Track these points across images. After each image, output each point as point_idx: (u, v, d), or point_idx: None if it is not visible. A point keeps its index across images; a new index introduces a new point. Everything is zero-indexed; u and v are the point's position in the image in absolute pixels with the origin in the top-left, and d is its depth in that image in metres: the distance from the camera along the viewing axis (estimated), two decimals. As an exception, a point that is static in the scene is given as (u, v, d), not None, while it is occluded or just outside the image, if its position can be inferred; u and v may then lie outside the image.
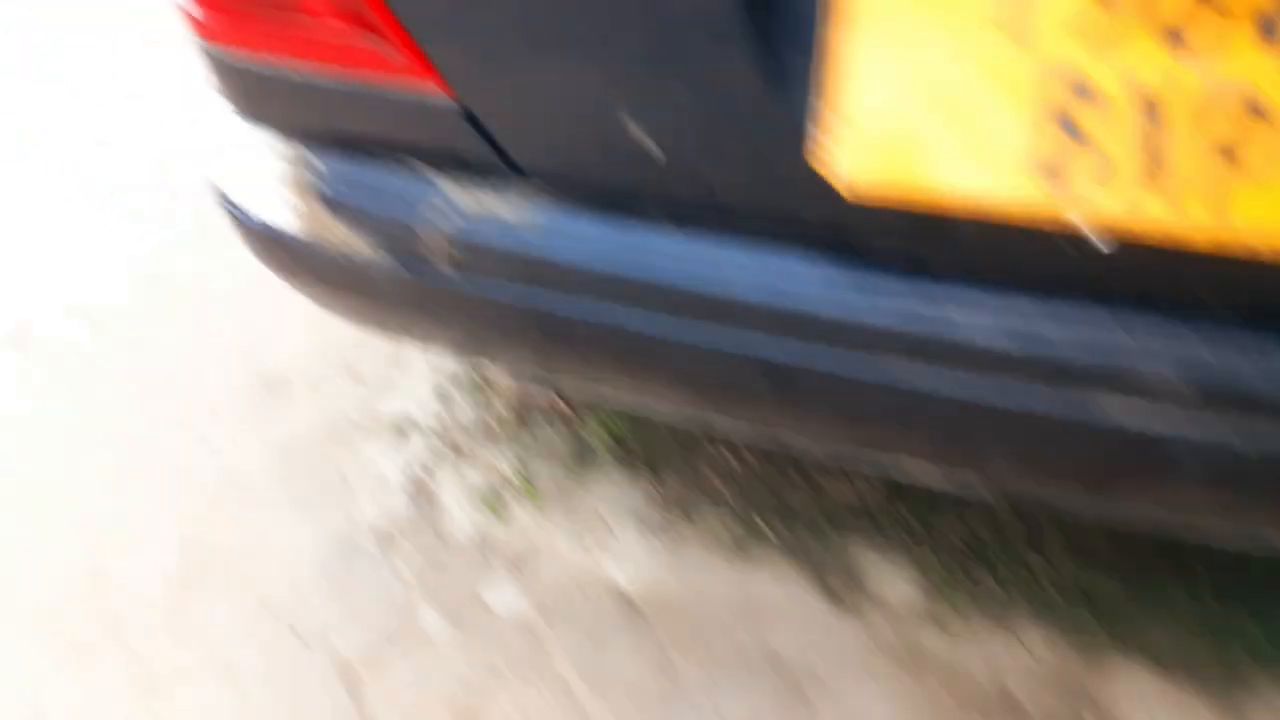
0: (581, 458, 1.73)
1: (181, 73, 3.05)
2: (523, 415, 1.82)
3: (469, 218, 1.02)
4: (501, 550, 1.61)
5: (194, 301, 2.18)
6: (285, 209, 1.11)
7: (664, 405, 1.11)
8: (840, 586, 1.50)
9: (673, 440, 1.74)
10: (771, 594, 1.51)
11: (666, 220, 0.96)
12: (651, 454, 1.73)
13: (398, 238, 1.06)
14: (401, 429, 1.81)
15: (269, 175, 1.10)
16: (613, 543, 1.60)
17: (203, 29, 1.06)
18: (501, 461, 1.73)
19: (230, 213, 1.16)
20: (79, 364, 2.06)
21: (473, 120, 0.96)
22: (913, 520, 1.59)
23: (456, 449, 1.77)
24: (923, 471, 1.00)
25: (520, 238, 1.01)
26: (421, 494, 1.71)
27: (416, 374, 1.94)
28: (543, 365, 1.10)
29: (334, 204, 1.09)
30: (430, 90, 0.96)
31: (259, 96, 1.06)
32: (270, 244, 1.14)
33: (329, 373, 1.96)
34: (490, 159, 0.99)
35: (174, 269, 2.30)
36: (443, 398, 1.88)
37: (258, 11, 0.96)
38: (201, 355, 2.05)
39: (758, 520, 1.59)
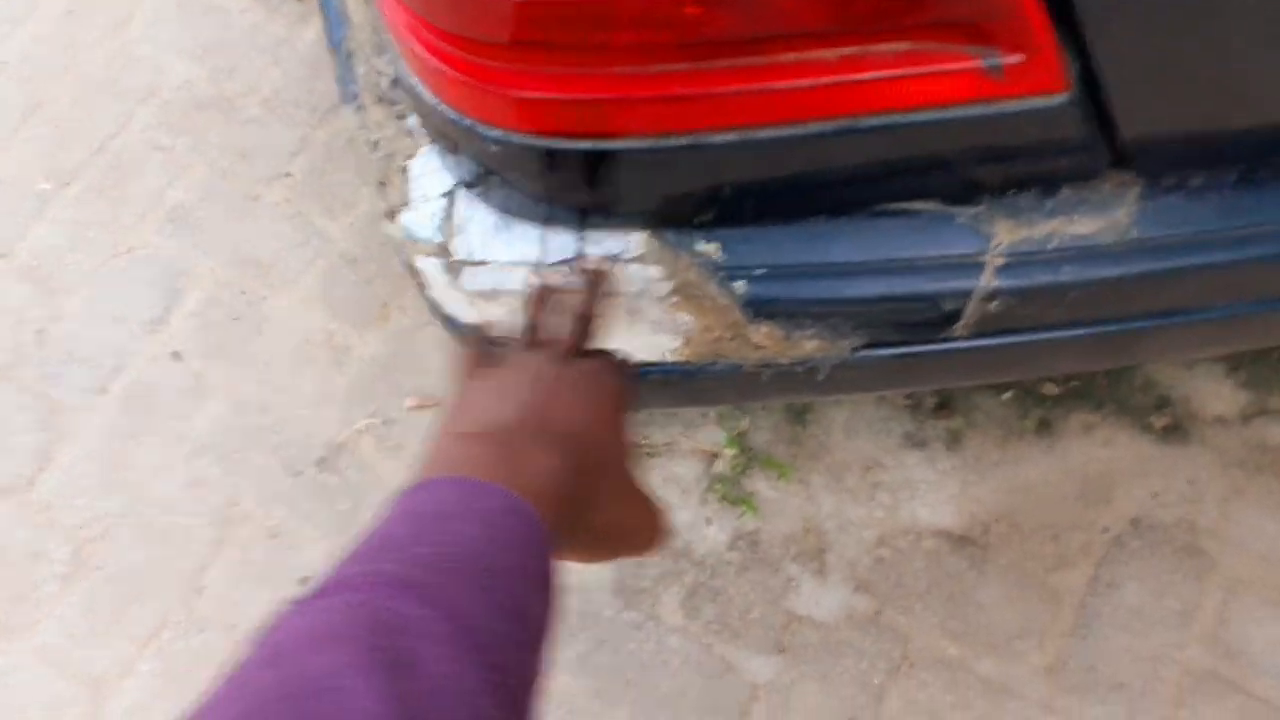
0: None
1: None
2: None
3: (1022, 255, 0.64)
4: (775, 546, 1.31)
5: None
6: (668, 334, 0.67)
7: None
8: (1166, 423, 1.32)
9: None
10: (1100, 460, 1.32)
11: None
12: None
13: (886, 317, 0.67)
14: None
15: (650, 296, 0.65)
16: (895, 479, 1.33)
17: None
18: (705, 441, 1.38)
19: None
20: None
21: (1085, 104, 0.56)
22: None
23: (637, 446, 1.40)
24: None
25: (1102, 251, 0.65)
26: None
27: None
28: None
29: (764, 304, 0.66)
30: (1041, 84, 0.54)
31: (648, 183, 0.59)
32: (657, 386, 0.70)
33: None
34: (1072, 158, 0.61)
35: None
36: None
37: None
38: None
39: (1042, 390, 1.36)
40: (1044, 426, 1.34)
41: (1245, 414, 1.33)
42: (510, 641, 0.43)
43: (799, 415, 1.38)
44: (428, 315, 1.48)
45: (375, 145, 0.71)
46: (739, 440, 1.37)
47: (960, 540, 1.30)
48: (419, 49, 0.59)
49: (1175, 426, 1.33)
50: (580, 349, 0.62)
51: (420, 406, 1.43)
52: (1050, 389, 1.36)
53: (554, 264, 0.66)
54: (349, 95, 0.75)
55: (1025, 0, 0.53)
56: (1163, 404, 1.34)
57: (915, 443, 1.35)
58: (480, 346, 0.63)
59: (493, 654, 0.41)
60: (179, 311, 1.49)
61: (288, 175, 1.57)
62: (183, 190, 1.57)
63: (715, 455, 1.37)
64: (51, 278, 1.52)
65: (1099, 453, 1.33)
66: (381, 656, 0.38)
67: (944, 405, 1.36)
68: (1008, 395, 1.36)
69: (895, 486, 1.33)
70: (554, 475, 0.51)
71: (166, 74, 1.66)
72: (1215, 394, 1.34)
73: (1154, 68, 0.60)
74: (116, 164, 1.60)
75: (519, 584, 0.45)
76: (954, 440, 1.35)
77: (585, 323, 0.63)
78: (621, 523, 0.59)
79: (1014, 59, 0.56)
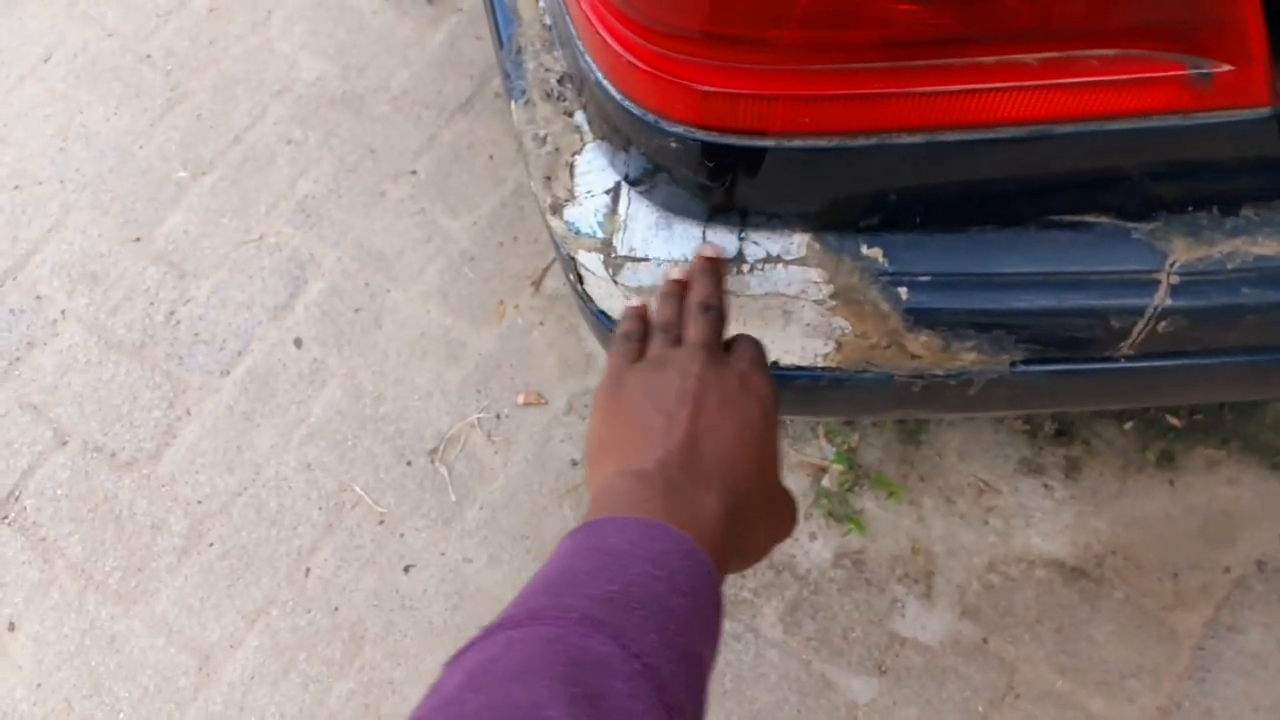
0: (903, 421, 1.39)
1: None
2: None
3: (1199, 274, 0.63)
4: (881, 566, 1.30)
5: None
6: (824, 338, 0.68)
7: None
8: (1299, 461, 1.28)
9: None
10: (1224, 498, 1.28)
11: None
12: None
13: (1051, 332, 0.66)
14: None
15: (809, 294, 0.65)
16: (1010, 505, 1.31)
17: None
18: (814, 455, 1.38)
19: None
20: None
21: None
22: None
23: (741, 458, 1.40)
24: None
25: None
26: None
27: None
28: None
29: (926, 312, 0.66)
30: (1246, 97, 0.54)
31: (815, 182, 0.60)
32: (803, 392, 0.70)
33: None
34: (1262, 176, 0.60)
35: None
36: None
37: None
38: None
39: (1167, 418, 1.32)
40: (1166, 459, 1.30)
41: (1384, 458, 1.28)
42: (684, 682, 0.45)
43: (912, 435, 1.37)
44: (540, 316, 1.52)
45: (543, 140, 0.73)
46: (848, 457, 1.36)
47: (1074, 572, 1.26)
48: (608, 39, 0.60)
49: (1307, 468, 1.28)
50: (716, 343, 0.62)
51: (530, 403, 1.45)
52: (1174, 421, 1.32)
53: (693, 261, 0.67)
54: (516, 91, 0.77)
55: (1247, 8, 0.52)
56: (1293, 443, 1.30)
57: (1032, 469, 1.33)
58: (627, 343, 0.64)
59: (670, 693, 0.43)
60: (302, 300, 1.54)
61: (413, 173, 1.61)
62: (311, 183, 1.62)
63: (824, 470, 1.36)
64: (184, 262, 1.58)
65: (1223, 490, 1.28)
66: (577, 691, 0.40)
67: (1063, 432, 1.33)
68: (1129, 425, 1.33)
69: (1009, 513, 1.31)
70: (718, 518, 0.53)
71: (301, 70, 1.72)
72: (1352, 436, 1.29)
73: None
74: (250, 155, 1.66)
75: (692, 627, 0.47)
76: (1072, 468, 1.32)
77: (718, 315, 0.64)
78: (769, 535, 0.61)
79: (1224, 69, 0.54)
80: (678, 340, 0.63)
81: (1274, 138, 0.59)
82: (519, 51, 0.77)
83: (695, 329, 0.62)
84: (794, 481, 1.35)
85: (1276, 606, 1.22)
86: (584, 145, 0.72)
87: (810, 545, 1.32)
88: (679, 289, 0.67)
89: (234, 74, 1.73)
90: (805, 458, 1.37)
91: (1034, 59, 0.54)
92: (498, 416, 1.43)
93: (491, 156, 1.62)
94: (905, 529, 1.31)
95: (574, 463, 1.40)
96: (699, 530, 0.51)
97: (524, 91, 0.76)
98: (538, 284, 1.53)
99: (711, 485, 0.54)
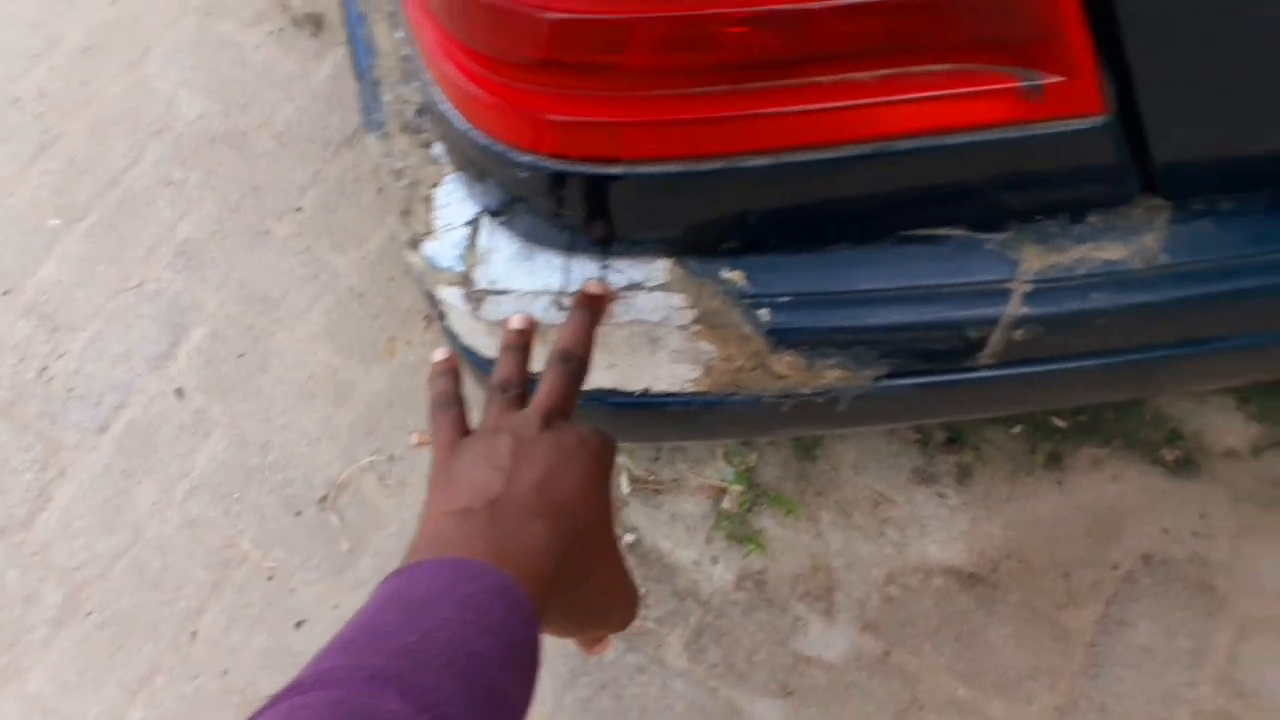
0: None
1: None
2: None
3: (1050, 281, 0.65)
4: (783, 585, 1.29)
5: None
6: (693, 362, 0.67)
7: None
8: (1176, 456, 1.32)
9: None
10: (1110, 495, 1.31)
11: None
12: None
13: (910, 346, 0.67)
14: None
15: (673, 323, 0.64)
16: (905, 515, 1.32)
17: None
18: (712, 477, 1.37)
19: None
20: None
21: (1120, 128, 0.57)
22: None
23: (642, 482, 1.39)
24: None
25: (1130, 277, 0.65)
26: (642, 557, 1.33)
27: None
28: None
29: (788, 332, 0.66)
30: (1078, 107, 0.55)
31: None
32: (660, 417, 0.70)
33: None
34: (1104, 184, 0.61)
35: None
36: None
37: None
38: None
39: (1053, 420, 1.36)
40: (1053, 461, 1.34)
41: (1257, 447, 1.33)
42: None
43: (807, 451, 1.38)
44: (433, 352, 1.49)
45: (399, 174, 0.72)
46: (747, 477, 1.36)
47: (970, 578, 1.28)
48: (452, 71, 0.59)
49: (1186, 460, 1.33)
50: (566, 405, 0.59)
51: (424, 443, 1.42)
52: (1059, 422, 1.36)
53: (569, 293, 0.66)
54: (374, 124, 0.76)
55: (1069, 20, 0.54)
56: (1173, 437, 1.34)
57: (924, 478, 1.35)
58: (452, 412, 0.61)
59: None
60: (184, 348, 1.48)
61: (298, 210, 1.58)
62: (193, 225, 1.57)
63: (723, 492, 1.36)
64: (57, 314, 1.51)
65: (1109, 488, 1.32)
66: None
67: (953, 440, 1.36)
68: (1017, 429, 1.36)
69: (904, 523, 1.33)
70: (542, 551, 0.51)
71: (181, 108, 1.67)
72: (1226, 427, 1.34)
73: (1192, 90, 0.60)
74: (128, 198, 1.60)
75: (500, 667, 0.45)
76: (963, 475, 1.34)
77: (579, 368, 0.61)
78: (603, 596, 0.58)
79: (1054, 80, 0.56)
80: (521, 399, 0.60)
81: (1110, 146, 0.61)
82: (376, 84, 0.76)
83: (546, 390, 0.59)
84: (694, 505, 1.35)
85: (1162, 599, 1.26)
86: (442, 177, 0.71)
87: (713, 569, 1.31)
88: (522, 340, 0.64)
89: (110, 114, 1.67)
90: (705, 480, 1.37)
91: (870, 76, 0.55)
92: (390, 458, 1.40)
93: (379, 190, 1.60)
94: (805, 546, 1.32)
95: (472, 500, 1.37)
96: (524, 560, 0.49)
97: (381, 124, 0.74)
98: (430, 319, 1.50)
99: (540, 513, 0.52)
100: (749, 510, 1.35)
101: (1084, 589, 1.28)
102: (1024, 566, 1.29)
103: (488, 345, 0.72)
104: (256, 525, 1.38)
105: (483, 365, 0.75)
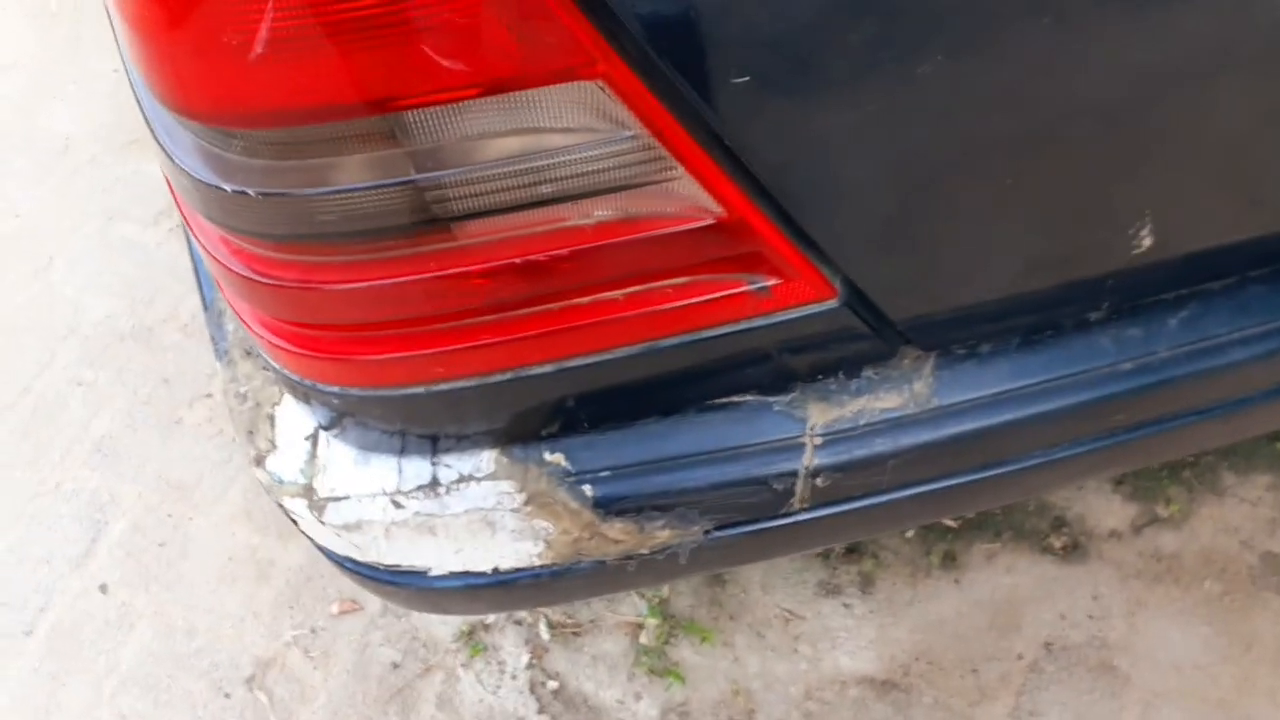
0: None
1: None
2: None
3: (837, 433, 0.71)
4: (705, 713, 1.31)
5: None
6: (532, 542, 0.72)
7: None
8: (1064, 542, 1.38)
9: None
10: (1005, 587, 1.36)
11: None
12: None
13: (726, 502, 0.72)
14: (479, 636, 1.41)
15: (504, 508, 0.70)
16: (815, 629, 1.36)
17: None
18: (628, 613, 1.41)
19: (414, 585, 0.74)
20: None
21: (857, 303, 0.64)
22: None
23: (561, 626, 1.42)
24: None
25: (908, 420, 0.72)
26: (566, 703, 1.35)
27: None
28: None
29: (613, 503, 0.72)
30: (810, 295, 0.62)
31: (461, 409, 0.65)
32: (495, 592, 0.74)
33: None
34: (865, 344, 0.68)
35: None
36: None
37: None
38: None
39: (945, 522, 1.41)
40: (949, 560, 1.39)
41: (1136, 525, 1.38)
42: None
43: (717, 576, 1.42)
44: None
45: (244, 398, 0.78)
46: (660, 609, 1.40)
47: (883, 685, 1.31)
48: (253, 324, 0.66)
49: (1073, 545, 1.38)
50: None
51: (345, 610, 1.45)
52: (950, 522, 1.42)
53: (411, 490, 0.72)
54: (220, 352, 0.82)
55: (766, 234, 0.61)
56: (1058, 524, 1.40)
57: (830, 590, 1.39)
58: None
59: None
60: (104, 543, 1.51)
61: (208, 396, 1.63)
62: (107, 421, 1.62)
63: (640, 627, 1.39)
64: (-24, 524, 1.54)
65: (1004, 580, 1.37)
66: None
67: (853, 549, 1.41)
68: (910, 533, 1.41)
69: (815, 637, 1.36)
70: None
71: (88, 311, 1.73)
72: (1106, 509, 1.40)
73: (899, 268, 0.68)
74: (40, 403, 1.65)
75: None
76: (866, 583, 1.39)
77: None
78: None
79: (774, 281, 0.63)
80: None
81: (853, 317, 0.68)
82: (220, 314, 0.82)
83: None
84: (613, 643, 1.38)
85: (1068, 684, 1.30)
86: (282, 397, 0.78)
87: (636, 706, 1.34)
88: None
89: (18, 323, 1.73)
90: (621, 617, 1.40)
91: (620, 294, 0.62)
92: (313, 630, 1.42)
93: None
94: (723, 671, 1.35)
95: (395, 665, 1.39)
96: None
97: (226, 351, 0.81)
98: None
99: None
100: (666, 642, 1.38)
101: (993, 682, 1.31)
102: (934, 667, 1.33)
103: (340, 545, 0.78)
104: (187, 713, 1.39)
105: (339, 561, 0.80)
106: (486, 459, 0.74)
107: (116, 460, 1.58)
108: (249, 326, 0.67)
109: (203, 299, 0.86)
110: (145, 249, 1.79)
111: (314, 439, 0.76)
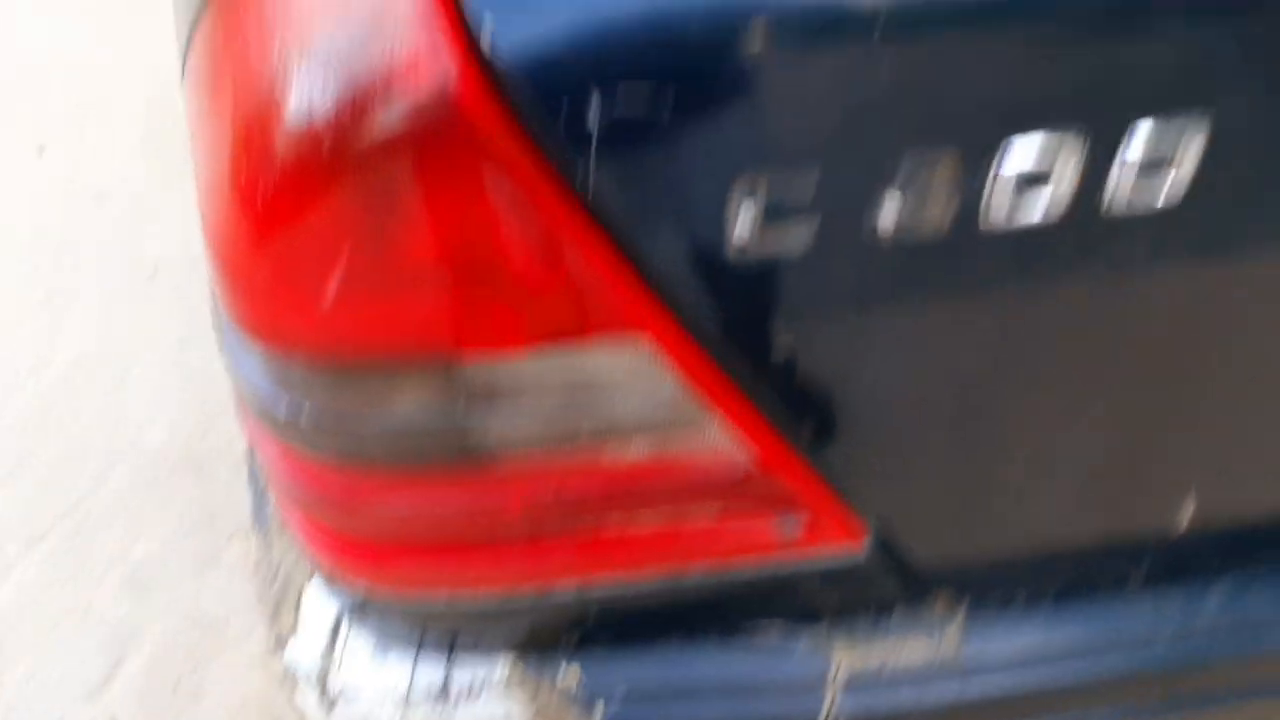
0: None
1: None
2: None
3: (861, 677, 0.70)
4: None
5: None
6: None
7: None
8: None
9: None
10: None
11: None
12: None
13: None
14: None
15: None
16: None
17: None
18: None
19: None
20: None
21: (890, 545, 0.64)
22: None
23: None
24: None
25: (936, 670, 0.70)
26: None
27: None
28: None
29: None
30: (842, 535, 0.63)
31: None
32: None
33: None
34: (896, 584, 0.68)
35: None
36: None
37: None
38: None
39: None
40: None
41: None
42: None
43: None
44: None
45: (275, 576, 0.78)
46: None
47: None
48: (290, 514, 0.68)
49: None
50: None
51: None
52: None
53: (420, 698, 0.71)
54: (261, 520, 0.84)
55: (798, 479, 0.61)
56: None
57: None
58: None
59: None
60: (121, 674, 1.51)
61: (250, 534, 1.64)
62: (144, 549, 1.64)
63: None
64: (2, 643, 1.55)
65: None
66: None
67: None
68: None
69: None
70: None
71: (146, 433, 1.78)
72: None
73: (933, 515, 0.67)
74: (85, 522, 1.68)
75: None
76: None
77: None
78: None
79: (806, 518, 0.63)
80: None
81: (883, 561, 0.68)
82: (265, 486, 0.84)
83: None
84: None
85: None
86: (312, 577, 0.78)
87: None
88: None
89: (82, 437, 1.78)
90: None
91: (649, 523, 0.63)
92: (315, 792, 1.39)
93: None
94: None
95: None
96: None
97: (266, 523, 0.82)
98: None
99: None
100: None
101: None
102: None
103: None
104: None
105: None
106: (501, 666, 0.73)
107: (148, 591, 1.59)
108: (285, 512, 0.68)
109: (250, 470, 0.88)
110: (210, 376, 1.85)
111: (335, 628, 0.76)
